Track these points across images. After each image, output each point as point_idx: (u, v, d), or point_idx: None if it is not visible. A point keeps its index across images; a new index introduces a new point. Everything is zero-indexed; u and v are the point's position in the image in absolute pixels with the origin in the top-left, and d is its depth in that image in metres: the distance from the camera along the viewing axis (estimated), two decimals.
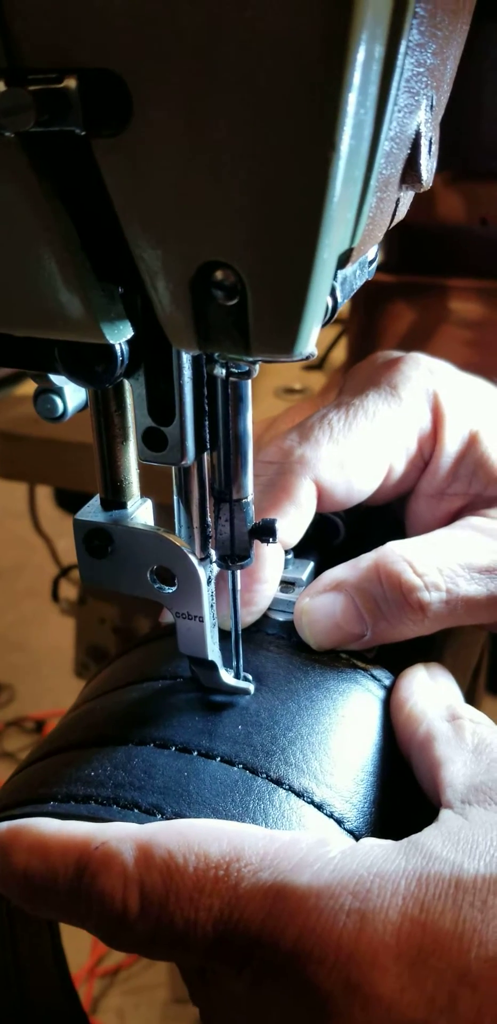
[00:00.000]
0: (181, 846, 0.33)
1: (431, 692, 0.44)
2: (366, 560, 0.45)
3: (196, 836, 0.33)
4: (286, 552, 0.49)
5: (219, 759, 0.39)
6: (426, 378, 0.51)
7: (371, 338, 0.96)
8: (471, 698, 0.44)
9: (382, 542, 0.47)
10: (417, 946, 0.30)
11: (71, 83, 0.26)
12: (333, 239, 0.28)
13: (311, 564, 0.50)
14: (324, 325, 0.31)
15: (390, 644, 0.46)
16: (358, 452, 0.48)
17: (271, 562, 0.46)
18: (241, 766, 0.39)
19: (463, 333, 0.92)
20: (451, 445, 0.50)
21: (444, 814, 0.35)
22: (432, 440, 0.50)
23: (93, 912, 0.33)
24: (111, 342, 0.32)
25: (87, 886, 0.33)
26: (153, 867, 0.33)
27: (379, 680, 0.46)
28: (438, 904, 0.31)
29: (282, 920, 0.31)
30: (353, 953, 0.30)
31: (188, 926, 0.32)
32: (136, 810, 0.37)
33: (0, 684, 2.59)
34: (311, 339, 0.30)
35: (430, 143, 0.33)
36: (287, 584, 0.49)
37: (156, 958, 0.34)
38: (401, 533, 0.53)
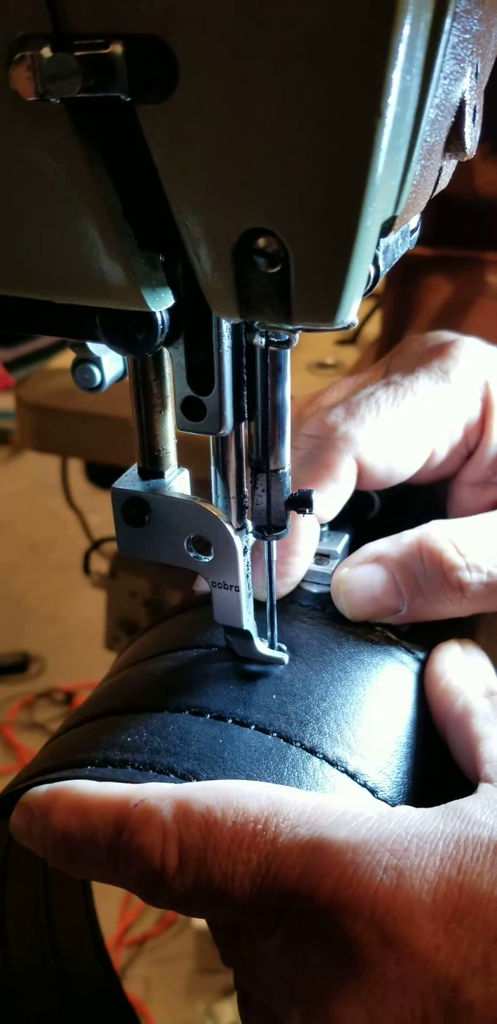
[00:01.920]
0: (220, 801, 0.33)
1: (466, 668, 0.44)
2: (409, 536, 0.45)
3: (234, 793, 0.34)
4: (321, 526, 0.49)
5: (254, 727, 0.40)
6: (479, 366, 0.50)
7: (406, 312, 0.96)
8: None
9: (417, 517, 0.47)
10: (453, 906, 0.30)
11: (117, 49, 0.26)
12: (377, 207, 0.28)
13: (346, 537, 0.50)
14: (365, 294, 0.31)
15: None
16: (401, 434, 0.48)
17: (306, 535, 0.46)
18: (275, 734, 0.39)
19: None
20: None
21: (483, 787, 0.35)
22: (479, 429, 0.50)
23: (132, 868, 0.34)
24: (152, 310, 0.32)
25: (126, 843, 0.34)
26: (192, 822, 0.33)
27: (413, 653, 0.46)
28: (476, 866, 0.31)
29: (318, 874, 0.31)
30: (389, 909, 0.30)
31: (226, 880, 0.32)
32: (172, 775, 0.37)
33: (31, 656, 2.63)
34: (353, 308, 0.30)
35: (474, 111, 0.33)
36: (321, 556, 0.49)
37: (193, 915, 0.34)
38: (437, 509, 0.53)
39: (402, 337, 0.82)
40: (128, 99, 0.27)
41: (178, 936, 1.88)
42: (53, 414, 1.10)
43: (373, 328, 1.17)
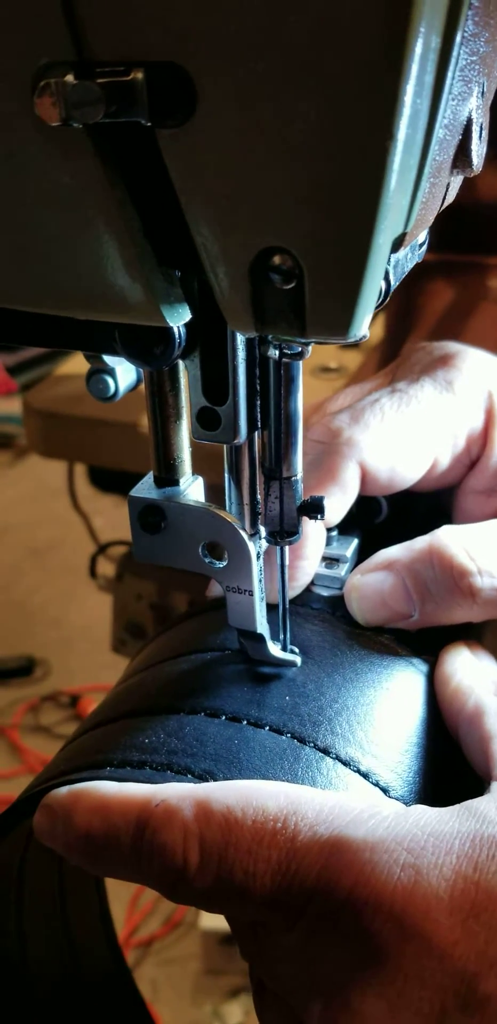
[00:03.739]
0: (240, 801, 0.34)
1: (477, 668, 0.45)
2: (420, 542, 0.46)
3: (254, 792, 0.35)
4: (330, 530, 0.50)
5: (268, 728, 0.41)
6: (483, 377, 0.51)
7: (409, 316, 0.97)
8: None
9: (425, 521, 0.48)
10: (470, 902, 0.31)
11: (138, 76, 0.27)
12: (388, 225, 0.29)
13: (355, 541, 0.51)
14: (377, 308, 0.32)
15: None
16: (405, 441, 0.49)
17: (313, 539, 0.47)
18: (289, 735, 0.40)
19: None
20: None
21: (495, 786, 0.36)
22: (482, 439, 0.51)
23: (154, 867, 0.34)
24: (170, 325, 0.33)
25: (148, 842, 0.34)
26: (212, 821, 0.34)
27: (422, 656, 0.47)
28: (492, 864, 0.32)
29: (338, 871, 0.32)
30: (407, 905, 0.31)
31: (247, 877, 0.33)
32: (189, 776, 0.38)
33: (36, 659, 2.64)
34: (365, 322, 0.31)
35: (481, 128, 0.34)
36: (332, 560, 0.50)
37: (214, 911, 0.35)
38: (443, 515, 0.54)
39: (405, 341, 0.83)
40: (149, 124, 0.28)
41: (185, 937, 1.89)
42: (60, 420, 1.11)
43: (376, 332, 1.18)
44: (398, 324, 1.00)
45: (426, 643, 0.47)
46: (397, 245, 0.31)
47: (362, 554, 0.49)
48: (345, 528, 0.51)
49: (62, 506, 1.51)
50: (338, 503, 0.48)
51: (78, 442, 1.12)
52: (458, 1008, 0.31)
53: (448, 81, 0.29)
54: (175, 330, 0.34)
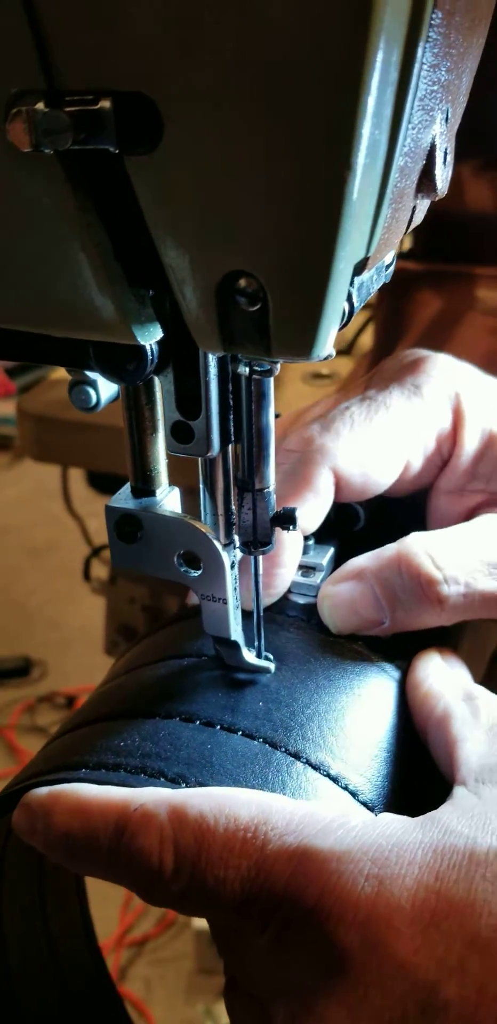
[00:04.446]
0: (213, 809, 0.35)
1: (447, 674, 0.46)
2: (389, 551, 0.47)
3: (227, 801, 0.35)
4: (306, 538, 0.51)
5: (240, 733, 0.42)
6: (449, 380, 0.52)
7: (398, 325, 0.98)
8: (491, 685, 0.45)
9: (402, 529, 0.49)
10: (431, 911, 0.32)
11: (106, 105, 0.28)
12: (349, 250, 0.30)
13: (331, 549, 0.52)
14: (341, 328, 0.33)
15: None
16: (376, 446, 0.50)
17: (289, 548, 0.48)
18: (261, 740, 0.41)
19: (489, 321, 0.93)
20: (470, 445, 0.51)
21: (458, 791, 0.37)
22: (452, 440, 0.52)
23: (131, 869, 0.35)
24: (142, 343, 0.34)
25: (126, 845, 0.35)
26: (187, 827, 0.35)
27: (394, 662, 0.48)
28: (452, 874, 0.32)
29: (305, 880, 0.33)
30: (370, 915, 0.32)
31: (217, 883, 0.34)
32: (162, 779, 0.39)
33: (32, 660, 2.65)
34: (328, 342, 0.32)
35: (445, 153, 0.35)
36: (308, 568, 0.51)
37: (188, 913, 0.36)
38: (420, 519, 0.55)
39: (394, 348, 0.84)
40: (117, 151, 0.29)
41: (178, 937, 1.90)
42: (53, 424, 1.12)
43: (367, 339, 1.19)
44: (388, 332, 1.01)
45: (399, 649, 0.48)
46: (360, 268, 0.32)
47: (339, 562, 0.50)
48: (322, 537, 0.52)
49: (60, 508, 1.52)
50: (313, 509, 0.49)
51: (71, 446, 1.13)
52: (419, 1015, 0.31)
53: (407, 111, 0.30)
54: (147, 347, 0.35)
